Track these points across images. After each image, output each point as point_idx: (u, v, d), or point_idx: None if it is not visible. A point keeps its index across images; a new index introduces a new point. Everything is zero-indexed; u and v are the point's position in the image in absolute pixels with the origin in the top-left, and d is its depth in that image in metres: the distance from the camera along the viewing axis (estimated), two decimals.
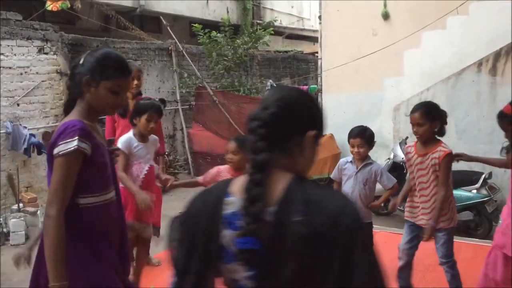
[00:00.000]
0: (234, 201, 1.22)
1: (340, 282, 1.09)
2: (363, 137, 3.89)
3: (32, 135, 7.01)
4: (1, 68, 6.88)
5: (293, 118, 1.26)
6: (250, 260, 1.16)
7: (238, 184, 1.25)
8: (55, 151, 2.02)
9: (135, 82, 4.24)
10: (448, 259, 3.57)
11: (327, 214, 1.12)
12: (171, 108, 10.22)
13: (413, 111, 3.52)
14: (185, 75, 10.59)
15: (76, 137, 2.01)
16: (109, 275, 2.16)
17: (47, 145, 2.11)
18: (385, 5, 8.65)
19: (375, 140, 4.04)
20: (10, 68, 7.05)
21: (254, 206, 1.15)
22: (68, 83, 2.27)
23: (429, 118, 3.45)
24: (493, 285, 3.37)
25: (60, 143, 2.01)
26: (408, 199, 3.74)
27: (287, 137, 1.24)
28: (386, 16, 8.71)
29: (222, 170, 3.73)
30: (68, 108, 2.22)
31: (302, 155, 1.25)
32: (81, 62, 2.19)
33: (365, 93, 8.81)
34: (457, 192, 5.09)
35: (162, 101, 3.91)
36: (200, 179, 3.82)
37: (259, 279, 1.17)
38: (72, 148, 2.00)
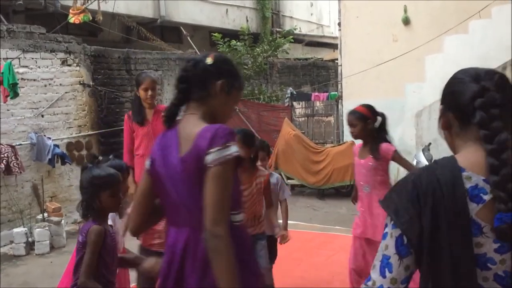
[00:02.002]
0: (471, 176, 1.27)
1: None
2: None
3: (56, 145, 7.13)
4: (26, 80, 7.02)
5: None
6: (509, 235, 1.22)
7: (470, 160, 1.30)
8: (209, 158, 1.71)
9: (150, 93, 4.26)
10: None
11: None
12: None
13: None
14: None
15: (233, 142, 1.76)
16: None
17: (187, 154, 1.79)
18: (405, 11, 8.58)
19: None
20: (34, 80, 7.19)
21: (510, 183, 1.23)
22: (183, 86, 1.92)
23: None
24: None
25: (214, 149, 1.72)
26: None
27: None
28: (406, 21, 8.64)
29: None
30: (173, 116, 1.93)
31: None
32: (209, 62, 1.90)
33: (386, 99, 8.71)
34: None
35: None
36: None
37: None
38: (233, 153, 1.74)
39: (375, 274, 1.33)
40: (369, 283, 1.34)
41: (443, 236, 1.24)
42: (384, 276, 1.30)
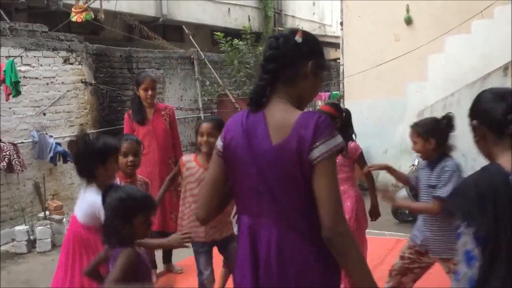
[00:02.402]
0: None
1: None
2: None
3: (58, 144, 7.14)
4: (28, 79, 7.03)
5: None
6: None
7: (509, 165, 1.59)
8: (317, 152, 1.63)
9: (150, 92, 4.27)
10: None
11: None
12: (194, 116, 10.29)
13: None
14: (207, 83, 10.66)
15: (336, 133, 1.69)
16: None
17: (284, 143, 1.67)
18: (407, 10, 8.58)
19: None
20: (36, 78, 7.20)
21: None
22: (273, 65, 1.77)
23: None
24: None
25: (322, 141, 1.63)
26: None
27: None
28: (408, 21, 8.63)
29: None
30: (260, 99, 1.81)
31: None
32: (299, 40, 1.75)
33: (387, 99, 8.72)
34: None
35: None
36: None
37: None
38: (340, 144, 1.67)
39: (464, 268, 1.60)
40: (461, 277, 1.60)
41: (503, 230, 1.54)
42: (471, 267, 1.58)
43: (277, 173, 1.68)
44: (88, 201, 2.62)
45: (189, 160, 3.55)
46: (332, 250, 1.63)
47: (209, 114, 10.71)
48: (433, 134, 3.11)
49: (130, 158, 3.47)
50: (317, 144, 1.62)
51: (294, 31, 1.80)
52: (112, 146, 2.70)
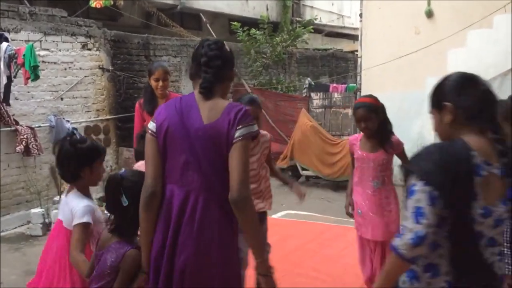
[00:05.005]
0: (476, 155, 1.68)
1: None
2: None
3: (74, 129, 7.19)
4: (46, 63, 7.08)
5: None
6: None
7: (475, 144, 1.70)
8: (238, 133, 2.02)
9: (161, 83, 4.20)
10: None
11: None
12: None
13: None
14: None
15: (254, 122, 2.11)
16: None
17: (215, 124, 2.07)
18: (429, 3, 8.43)
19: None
20: (55, 63, 7.25)
21: None
22: (224, 63, 2.19)
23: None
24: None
25: (244, 125, 2.04)
26: None
27: None
28: (429, 14, 8.48)
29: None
30: (212, 88, 2.15)
31: None
32: (228, 49, 2.25)
33: (405, 92, 8.61)
34: None
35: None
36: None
37: None
38: (255, 131, 2.08)
39: (410, 224, 1.67)
40: (406, 231, 1.67)
41: (457, 195, 1.65)
42: (419, 223, 1.65)
43: (206, 148, 2.04)
44: (71, 206, 2.50)
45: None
46: (235, 211, 1.97)
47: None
48: None
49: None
50: (240, 127, 2.02)
51: (220, 41, 2.22)
52: (100, 149, 2.63)
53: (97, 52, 7.92)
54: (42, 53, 6.94)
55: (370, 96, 3.58)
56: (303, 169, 8.77)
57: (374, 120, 3.39)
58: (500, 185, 1.72)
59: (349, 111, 10.84)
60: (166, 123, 2.11)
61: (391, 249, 1.72)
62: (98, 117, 8.01)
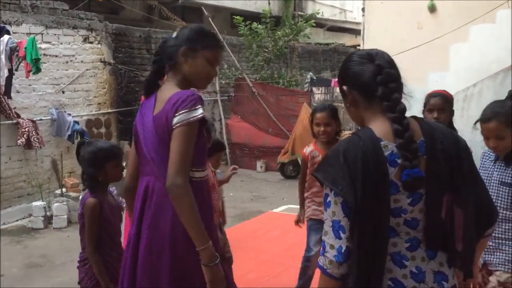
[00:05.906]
0: (387, 144, 1.52)
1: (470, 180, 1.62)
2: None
3: (76, 122, 7.20)
4: (48, 56, 7.07)
5: None
6: (418, 186, 1.50)
7: (382, 130, 1.55)
8: (176, 120, 1.98)
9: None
10: None
11: (452, 140, 1.63)
12: (210, 99, 10.29)
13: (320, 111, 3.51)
14: (225, 66, 10.62)
15: (199, 106, 2.02)
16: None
17: (158, 114, 2.06)
18: None
19: None
20: (56, 56, 7.24)
21: (413, 144, 1.51)
22: (155, 59, 2.26)
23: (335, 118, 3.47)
24: None
25: (182, 111, 1.98)
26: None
27: None
28: (432, 8, 8.44)
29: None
30: (151, 85, 2.21)
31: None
32: (173, 35, 2.21)
33: (407, 87, 8.59)
34: None
35: None
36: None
37: (427, 201, 1.55)
38: (198, 116, 2.00)
39: (330, 239, 1.52)
40: (328, 249, 1.51)
41: (370, 196, 1.47)
42: (339, 238, 1.50)
43: (153, 138, 2.07)
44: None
45: (312, 150, 3.66)
46: (170, 198, 1.97)
47: (227, 97, 10.69)
48: None
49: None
50: (179, 113, 1.98)
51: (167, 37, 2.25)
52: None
53: (99, 46, 7.90)
54: (43, 46, 6.93)
55: (443, 90, 3.50)
56: None
57: (447, 113, 3.21)
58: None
59: None
60: (135, 121, 2.22)
61: (319, 268, 1.56)
62: (99, 110, 8.01)
